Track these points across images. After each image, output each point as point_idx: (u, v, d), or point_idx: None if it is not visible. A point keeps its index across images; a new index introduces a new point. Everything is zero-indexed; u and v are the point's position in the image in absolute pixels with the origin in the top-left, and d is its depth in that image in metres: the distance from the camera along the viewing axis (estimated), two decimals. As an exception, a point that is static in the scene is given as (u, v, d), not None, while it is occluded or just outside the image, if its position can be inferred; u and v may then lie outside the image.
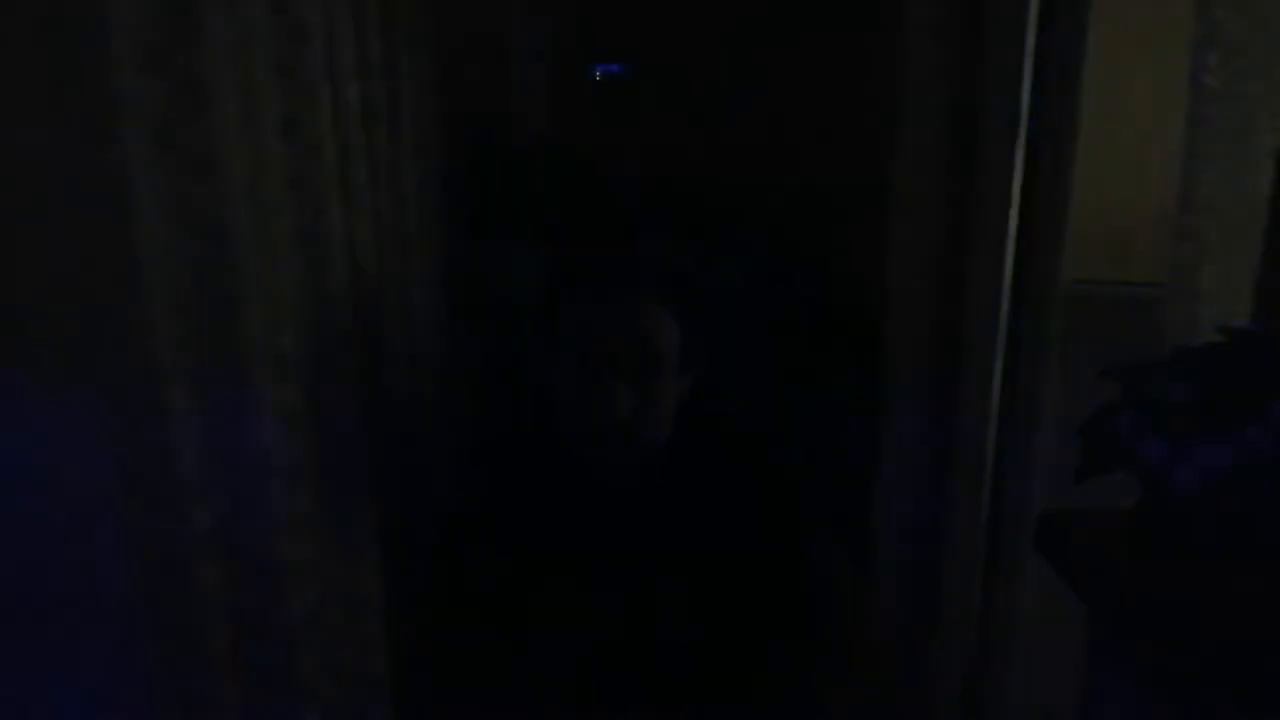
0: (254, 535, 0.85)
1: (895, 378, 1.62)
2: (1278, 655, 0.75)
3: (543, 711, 1.13)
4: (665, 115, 2.03)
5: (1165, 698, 0.76)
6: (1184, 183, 1.17)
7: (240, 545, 0.85)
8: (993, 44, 1.47)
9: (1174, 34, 1.27)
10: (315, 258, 1.00)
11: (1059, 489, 0.98)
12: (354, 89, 1.09)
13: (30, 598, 0.63)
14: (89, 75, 0.63)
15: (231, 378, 0.82)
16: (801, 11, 1.92)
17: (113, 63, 0.66)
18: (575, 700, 1.13)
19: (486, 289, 1.79)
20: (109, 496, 0.65)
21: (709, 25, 1.98)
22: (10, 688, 0.63)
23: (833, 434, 1.81)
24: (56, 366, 0.65)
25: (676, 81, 2.04)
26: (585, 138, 1.99)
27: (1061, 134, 1.49)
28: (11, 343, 0.64)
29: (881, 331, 1.62)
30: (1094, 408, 0.90)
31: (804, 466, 1.72)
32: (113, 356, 0.67)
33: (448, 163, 1.52)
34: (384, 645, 1.14)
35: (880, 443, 1.61)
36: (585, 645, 1.12)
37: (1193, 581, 0.83)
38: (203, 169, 0.77)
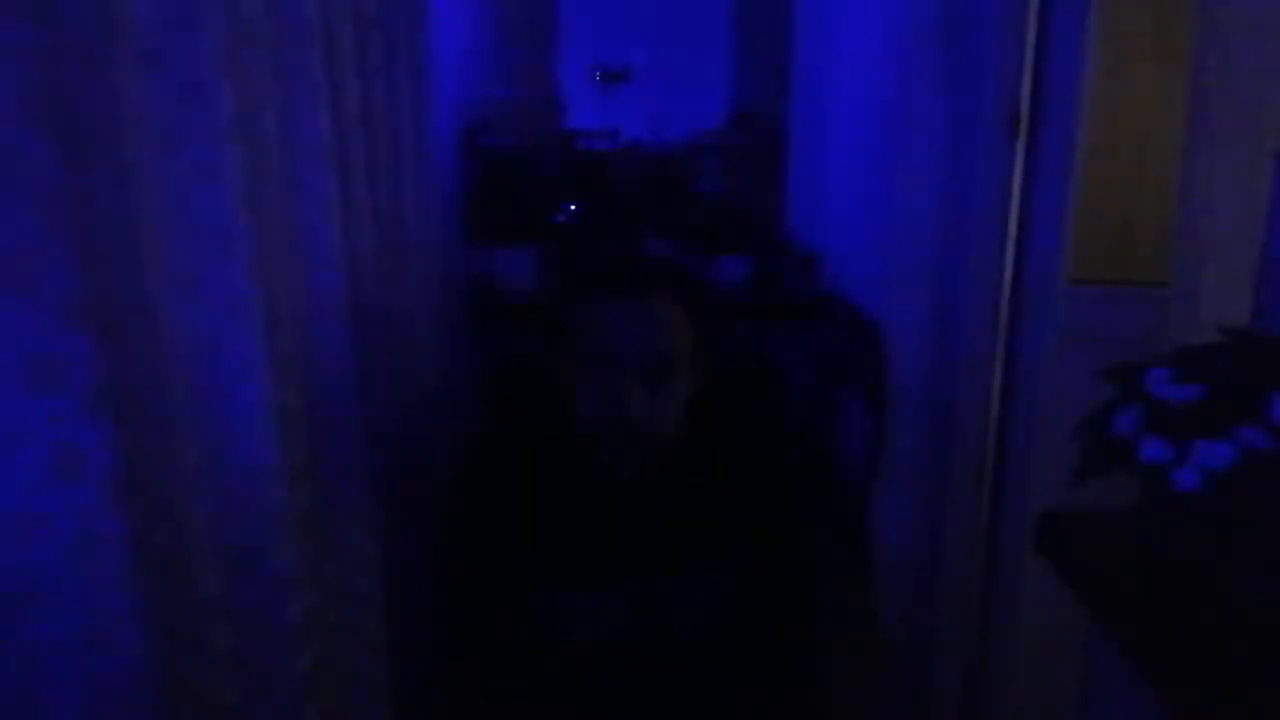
0: (254, 535, 0.85)
1: (895, 377, 1.62)
2: (1277, 655, 0.75)
3: (550, 707, 1.13)
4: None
5: (1165, 698, 0.76)
6: (1184, 183, 1.17)
7: (240, 545, 0.85)
8: (993, 43, 1.47)
9: (1174, 34, 1.27)
10: (315, 258, 1.00)
11: (1059, 489, 0.98)
12: (354, 89, 1.09)
13: (30, 597, 0.63)
14: (91, 76, 0.63)
15: (231, 377, 0.82)
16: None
17: (113, 63, 0.66)
18: (582, 696, 1.13)
19: (487, 288, 1.79)
20: (109, 496, 0.65)
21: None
22: (9, 687, 0.63)
23: (834, 432, 1.80)
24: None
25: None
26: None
27: (1062, 133, 1.49)
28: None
29: (881, 332, 1.63)
30: (1094, 408, 0.90)
31: (806, 465, 1.72)
32: (112, 355, 0.67)
33: (447, 163, 1.52)
34: (384, 645, 1.14)
35: (881, 443, 1.61)
36: (592, 642, 1.12)
37: (1193, 581, 0.83)
38: (202, 169, 0.77)
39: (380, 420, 1.18)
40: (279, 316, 0.89)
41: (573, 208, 1.91)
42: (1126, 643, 0.83)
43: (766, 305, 1.87)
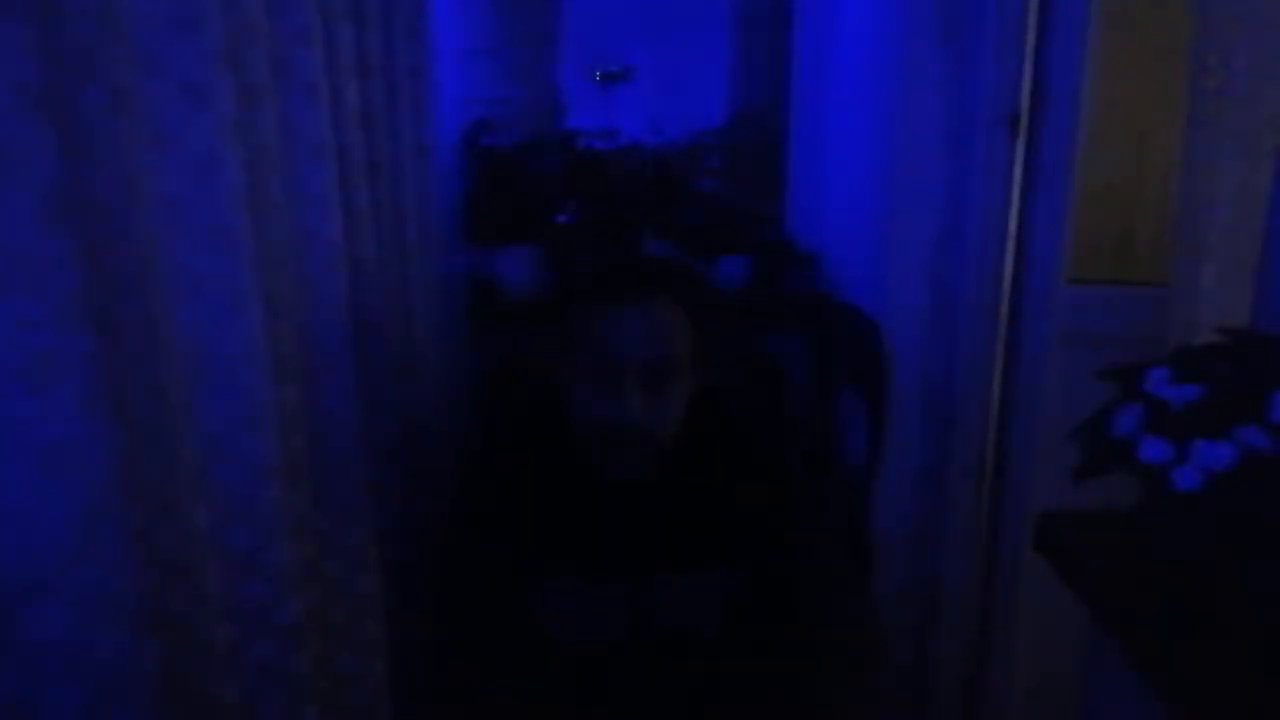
0: (254, 535, 0.85)
1: (895, 377, 1.62)
2: (1277, 655, 0.75)
3: (550, 707, 1.13)
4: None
5: (1164, 697, 0.76)
6: (1184, 183, 1.17)
7: (240, 545, 0.85)
8: (993, 43, 1.47)
9: (1174, 34, 1.27)
10: (315, 258, 1.00)
11: (1059, 489, 0.98)
12: (354, 89, 1.09)
13: (29, 597, 0.63)
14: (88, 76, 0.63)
15: (231, 377, 0.82)
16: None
17: (113, 63, 0.66)
18: (582, 696, 1.13)
19: (487, 288, 1.79)
20: (109, 496, 0.65)
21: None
22: (10, 688, 0.63)
23: (834, 432, 1.80)
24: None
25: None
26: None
27: (1062, 133, 1.49)
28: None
29: (881, 332, 1.62)
30: (1094, 408, 0.90)
31: (806, 466, 1.72)
32: (112, 355, 0.67)
33: (447, 163, 1.52)
34: (384, 645, 1.13)
35: (881, 443, 1.61)
36: (592, 642, 1.12)
37: (1193, 581, 0.83)
38: (202, 168, 0.77)
39: (380, 420, 1.18)
40: (279, 316, 0.89)
41: (573, 208, 1.91)
42: (1126, 643, 0.83)
43: (766, 305, 1.87)
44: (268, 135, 0.87)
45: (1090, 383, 0.92)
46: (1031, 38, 1.48)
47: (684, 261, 1.83)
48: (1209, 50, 1.11)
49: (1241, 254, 1.13)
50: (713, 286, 1.84)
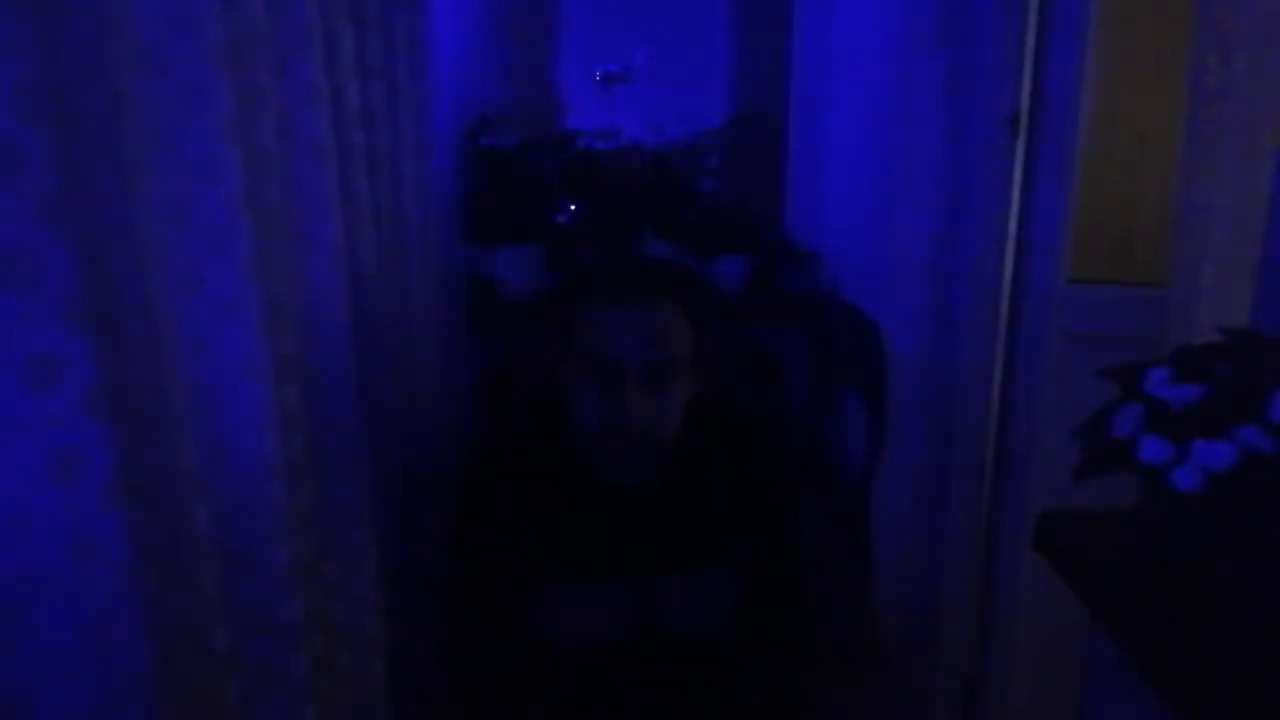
0: (254, 535, 0.85)
1: (895, 377, 1.62)
2: (1277, 655, 0.75)
3: (551, 708, 1.13)
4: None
5: (1164, 697, 0.76)
6: (1184, 183, 1.17)
7: (240, 545, 0.85)
8: (993, 44, 1.47)
9: (1174, 34, 1.27)
10: (315, 258, 1.00)
11: (1059, 489, 0.98)
12: (354, 89, 1.09)
13: (30, 597, 0.63)
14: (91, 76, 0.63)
15: (231, 377, 0.82)
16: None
17: (113, 62, 0.66)
18: (583, 697, 1.13)
19: (487, 288, 1.79)
20: (110, 496, 0.65)
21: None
22: (10, 687, 0.63)
23: (834, 432, 1.80)
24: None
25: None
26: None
27: (1062, 133, 1.49)
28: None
29: (881, 332, 1.62)
30: (1094, 408, 0.90)
31: (805, 466, 1.72)
32: (112, 355, 0.67)
33: (447, 163, 1.52)
34: (384, 645, 1.13)
35: (880, 443, 1.61)
36: (592, 643, 1.12)
37: (1193, 581, 0.83)
38: (202, 169, 0.77)
39: (380, 420, 1.18)
40: (279, 316, 0.89)
41: (573, 208, 1.91)
42: (1126, 642, 0.83)
43: (766, 305, 1.87)
44: (268, 136, 0.87)
45: (1090, 383, 0.92)
46: (1031, 38, 1.48)
47: (684, 261, 1.83)
48: (1209, 50, 1.12)
49: (1241, 254, 1.13)
50: (713, 286, 1.84)
